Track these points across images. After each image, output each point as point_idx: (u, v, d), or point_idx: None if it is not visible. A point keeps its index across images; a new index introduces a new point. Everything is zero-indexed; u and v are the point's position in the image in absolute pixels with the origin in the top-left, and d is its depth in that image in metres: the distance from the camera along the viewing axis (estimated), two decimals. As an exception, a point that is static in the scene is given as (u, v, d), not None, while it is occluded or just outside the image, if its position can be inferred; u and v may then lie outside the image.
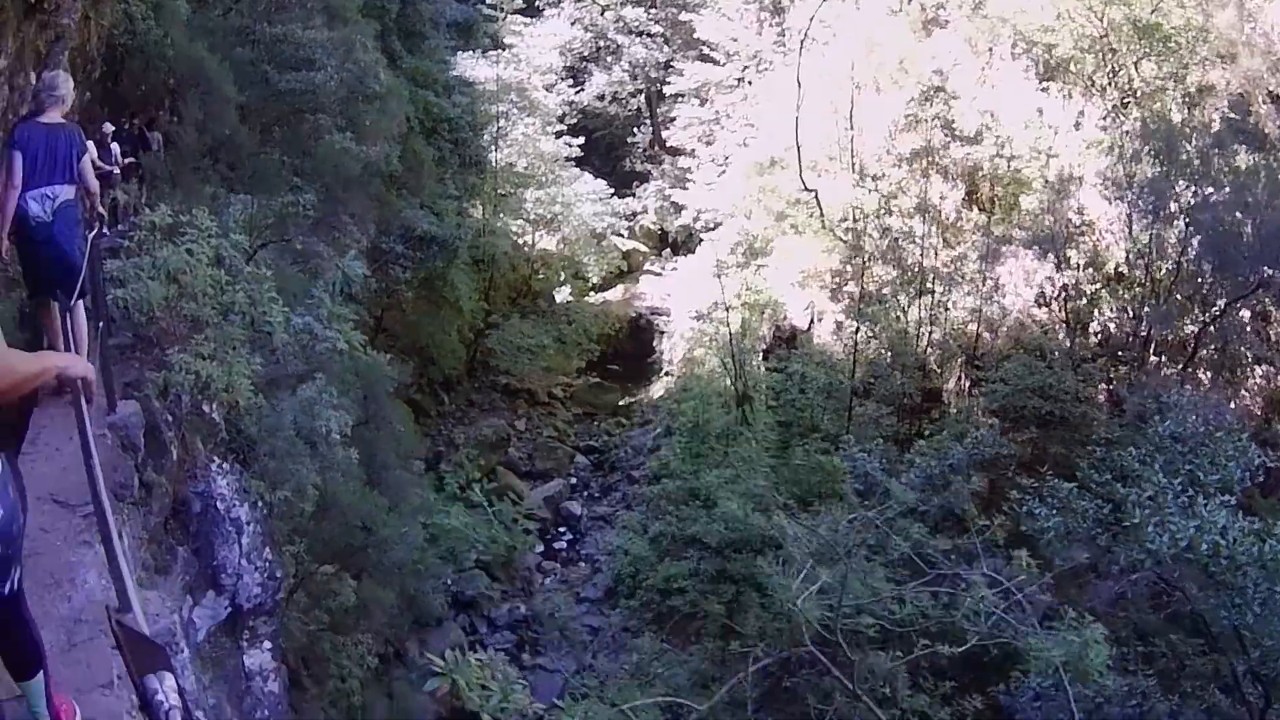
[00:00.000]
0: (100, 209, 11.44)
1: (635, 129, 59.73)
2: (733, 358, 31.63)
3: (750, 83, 49.47)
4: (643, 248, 53.73)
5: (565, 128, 49.99)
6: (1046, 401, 24.96)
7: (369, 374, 23.42)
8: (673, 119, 58.39)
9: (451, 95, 40.76)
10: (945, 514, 20.79)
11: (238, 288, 12.93)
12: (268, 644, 14.32)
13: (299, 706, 16.17)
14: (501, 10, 48.32)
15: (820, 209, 35.79)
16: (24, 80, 13.12)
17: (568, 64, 55.07)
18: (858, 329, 29.11)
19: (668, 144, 58.80)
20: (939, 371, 30.88)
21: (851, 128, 36.04)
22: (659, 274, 52.24)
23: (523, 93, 46.99)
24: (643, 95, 59.14)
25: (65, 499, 7.56)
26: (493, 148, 43.43)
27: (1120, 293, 28.98)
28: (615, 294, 49.66)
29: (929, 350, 31.25)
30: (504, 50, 47.01)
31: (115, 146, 19.67)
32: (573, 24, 56.25)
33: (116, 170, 19.37)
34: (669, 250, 54.40)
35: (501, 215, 44.52)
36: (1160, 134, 27.41)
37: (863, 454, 20.56)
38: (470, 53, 45.66)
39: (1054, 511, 15.60)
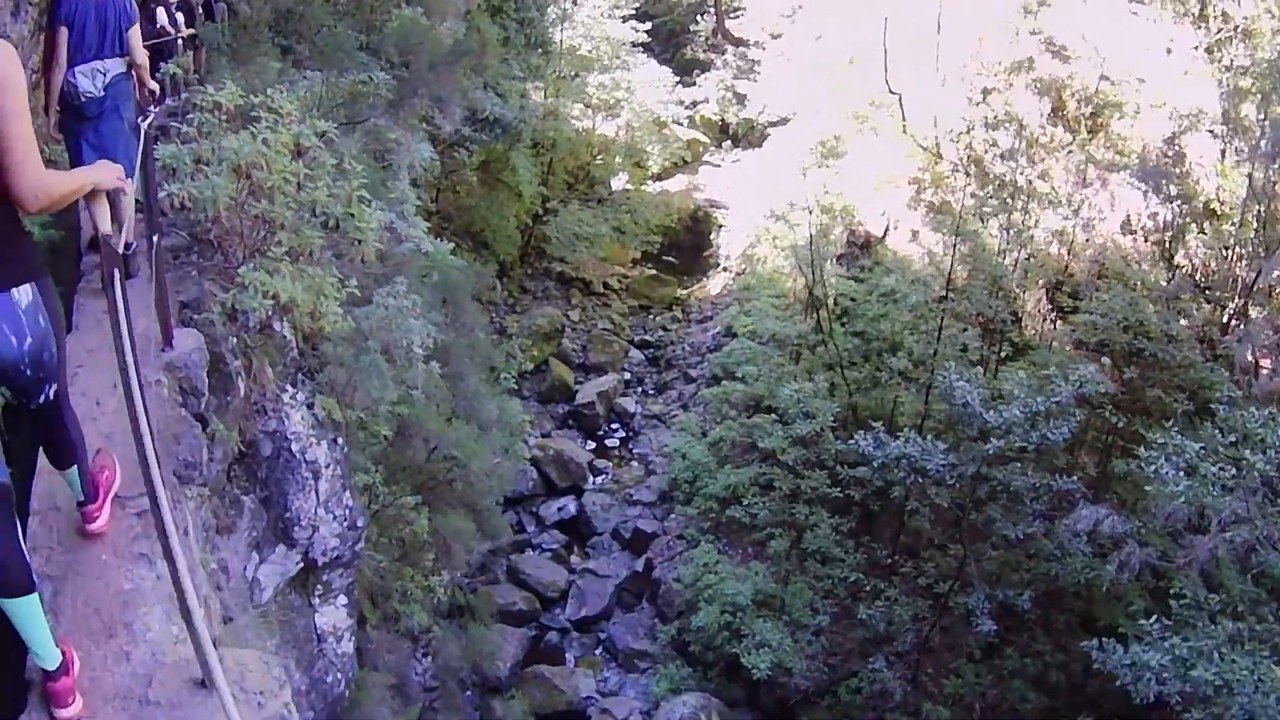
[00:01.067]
0: (152, 84, 10.52)
1: (698, 16, 58.21)
2: (812, 263, 30.76)
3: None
4: (703, 138, 52.54)
5: (632, 11, 48.58)
6: (1138, 339, 24.19)
7: (449, 276, 22.55)
8: (736, 10, 57.06)
9: (520, -31, 39.58)
10: (1039, 451, 20.26)
11: (319, 184, 10.75)
12: (343, 599, 12.70)
13: (364, 649, 14.92)
14: None
15: (903, 113, 34.72)
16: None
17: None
18: (956, 242, 28.05)
19: (731, 33, 57.45)
20: (1018, 294, 30.08)
21: (939, 30, 34.72)
22: (718, 165, 51.18)
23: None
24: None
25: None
26: (558, 28, 42.20)
27: (1214, 229, 28.05)
28: (674, 184, 48.56)
29: (1012, 270, 30.43)
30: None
31: (180, 16, 18.53)
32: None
33: (180, 39, 18.28)
34: (729, 142, 53.31)
35: (564, 99, 43.46)
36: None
37: (963, 383, 19.98)
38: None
39: (1180, 473, 14.89)
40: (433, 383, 17.11)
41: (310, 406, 11.70)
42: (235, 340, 10.05)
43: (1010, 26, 32.34)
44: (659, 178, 48.28)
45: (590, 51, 44.83)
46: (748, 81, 49.86)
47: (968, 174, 32.32)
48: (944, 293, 27.56)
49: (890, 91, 35.06)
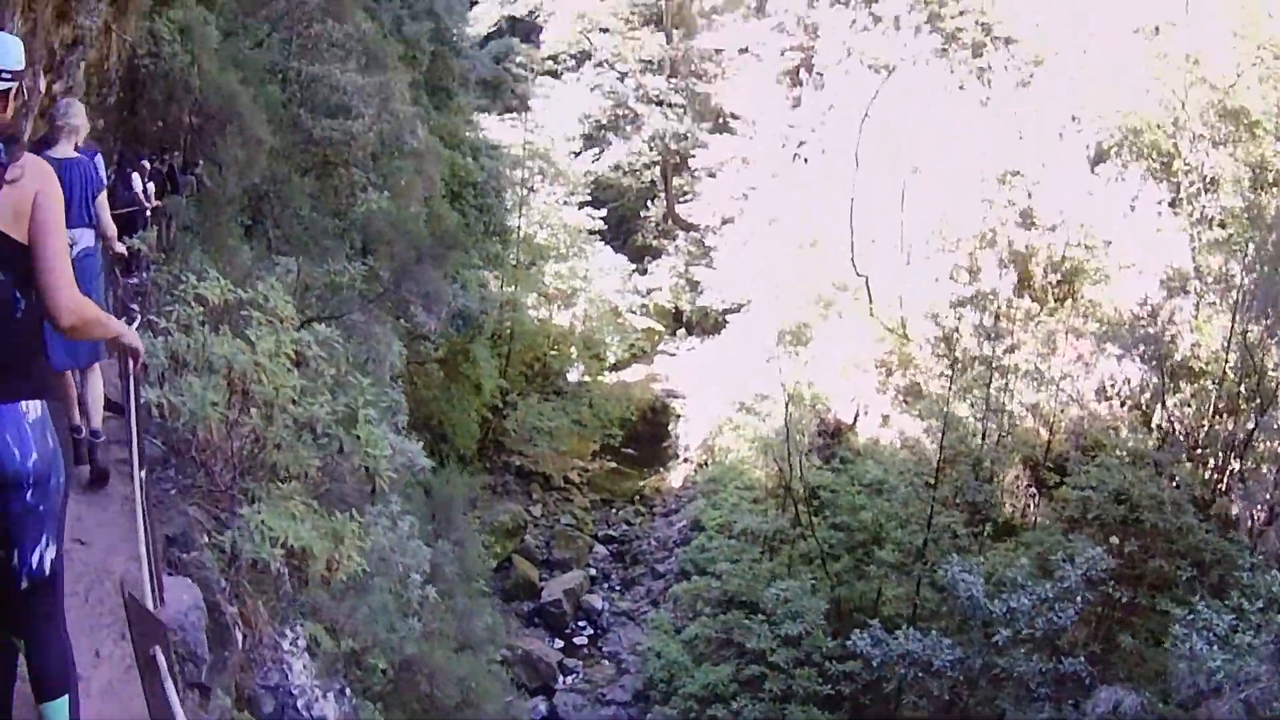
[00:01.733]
0: (120, 248, 10.11)
1: (649, 202, 59.15)
2: (788, 456, 30.73)
3: (801, 157, 48.71)
4: (657, 326, 52.86)
5: (589, 198, 49.36)
6: (1132, 510, 24.09)
7: (440, 489, 22.00)
8: (685, 195, 58.09)
9: (478, 158, 40.20)
10: (1048, 637, 19.95)
11: (319, 399, 9.82)
12: None
13: None
14: (531, 70, 47.82)
15: (870, 295, 35.11)
16: (31, 81, 11.59)
17: (585, 132, 54.45)
18: (944, 427, 28.12)
19: (681, 219, 58.38)
20: (995, 471, 30.06)
21: (903, 210, 35.42)
22: (674, 354, 51.39)
23: (547, 159, 46.49)
24: (658, 167, 58.46)
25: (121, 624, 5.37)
26: (516, 216, 42.72)
27: (1196, 387, 28.24)
28: (631, 374, 48.73)
29: (984, 448, 30.45)
30: (529, 113, 46.52)
31: (151, 186, 18.42)
32: (592, 90, 55.64)
33: (148, 210, 18.06)
34: (683, 330, 53.63)
35: (522, 289, 43.79)
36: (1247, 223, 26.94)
37: (967, 575, 19.74)
38: (496, 114, 45.22)
39: (1214, 647, 14.59)
40: (428, 608, 16.28)
41: (311, 653, 10.54)
42: (228, 584, 8.98)
43: (974, 199, 32.92)
44: (616, 367, 48.37)
45: (547, 239, 45.37)
46: (702, 268, 50.31)
47: (937, 353, 32.64)
48: (933, 480, 27.44)
49: (857, 274, 35.41)
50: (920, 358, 33.56)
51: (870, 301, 35.45)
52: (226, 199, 22.63)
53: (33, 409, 4.26)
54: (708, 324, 51.53)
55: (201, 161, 22.04)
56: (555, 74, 56.46)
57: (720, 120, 57.47)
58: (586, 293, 46.29)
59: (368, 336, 22.22)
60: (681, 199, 59.31)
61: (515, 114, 46.84)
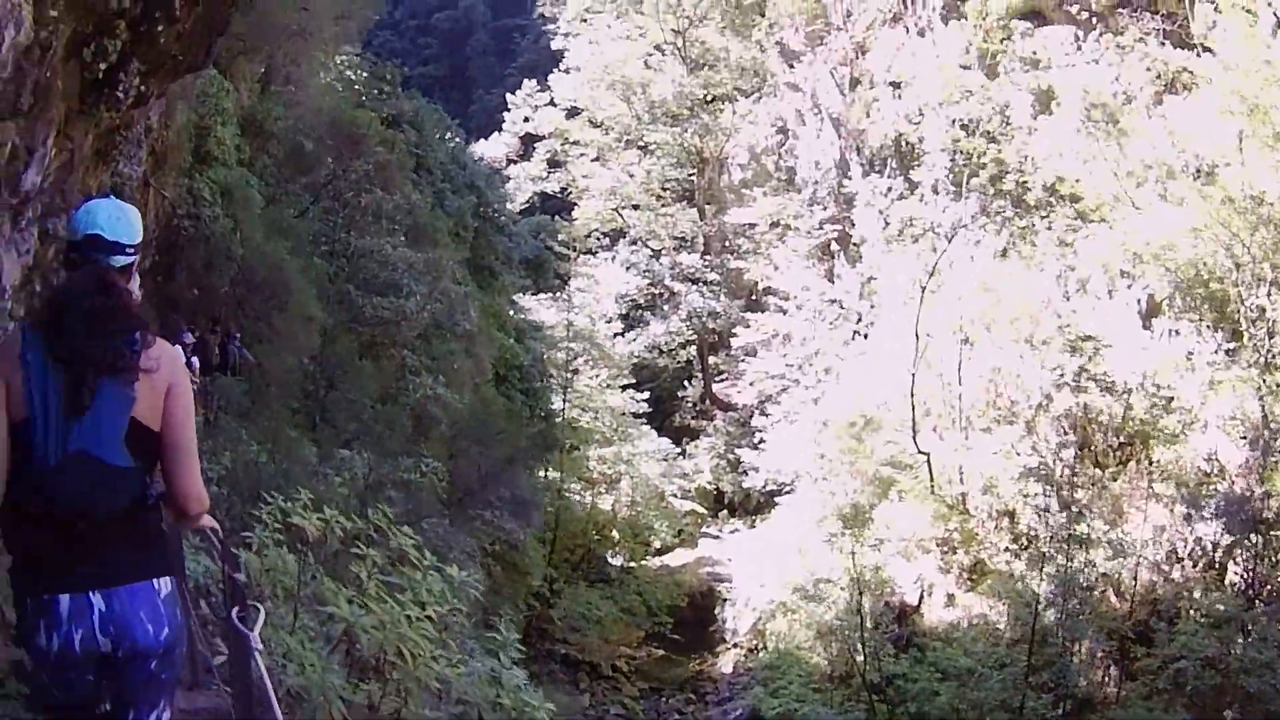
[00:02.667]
0: None
1: (685, 382, 59.74)
2: (861, 644, 30.64)
3: (857, 335, 49.40)
4: (699, 509, 52.99)
5: (632, 380, 49.99)
6: (1221, 674, 24.04)
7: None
8: (722, 375, 58.67)
9: (523, 340, 40.80)
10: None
11: (454, 658, 8.34)
12: None
13: None
14: (574, 249, 48.78)
15: (931, 473, 35.27)
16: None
17: (622, 311, 55.34)
18: (1036, 605, 28.04)
19: (719, 398, 58.87)
20: (1068, 647, 29.83)
21: (960, 382, 35.79)
22: (717, 537, 51.38)
23: (591, 340, 47.18)
24: (693, 346, 59.21)
25: None
26: (560, 399, 43.22)
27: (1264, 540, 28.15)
28: (675, 558, 48.78)
29: (1059, 623, 30.28)
30: (571, 293, 47.37)
31: (195, 361, 18.62)
32: (628, 268, 56.72)
33: (195, 387, 18.42)
34: (725, 511, 53.67)
35: (567, 474, 44.05)
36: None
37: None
38: (539, 294, 46.00)
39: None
40: None
41: None
42: None
43: (1028, 363, 33.40)
44: (660, 552, 48.36)
45: (589, 422, 45.74)
46: (746, 449, 50.44)
47: (1000, 528, 32.77)
48: (1010, 661, 27.32)
49: (919, 451, 35.55)
50: (983, 533, 33.52)
51: (932, 479, 35.46)
52: (277, 379, 22.53)
53: (164, 585, 4.52)
54: (750, 505, 51.66)
55: (239, 335, 21.81)
56: (591, 251, 57.58)
57: (753, 296, 58.44)
58: (631, 476, 46.44)
59: (447, 545, 20.82)
60: (718, 378, 59.91)
61: (555, 294, 47.52)
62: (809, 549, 37.13)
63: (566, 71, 62.64)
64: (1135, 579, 30.00)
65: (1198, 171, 31.43)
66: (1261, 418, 28.34)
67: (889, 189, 47.71)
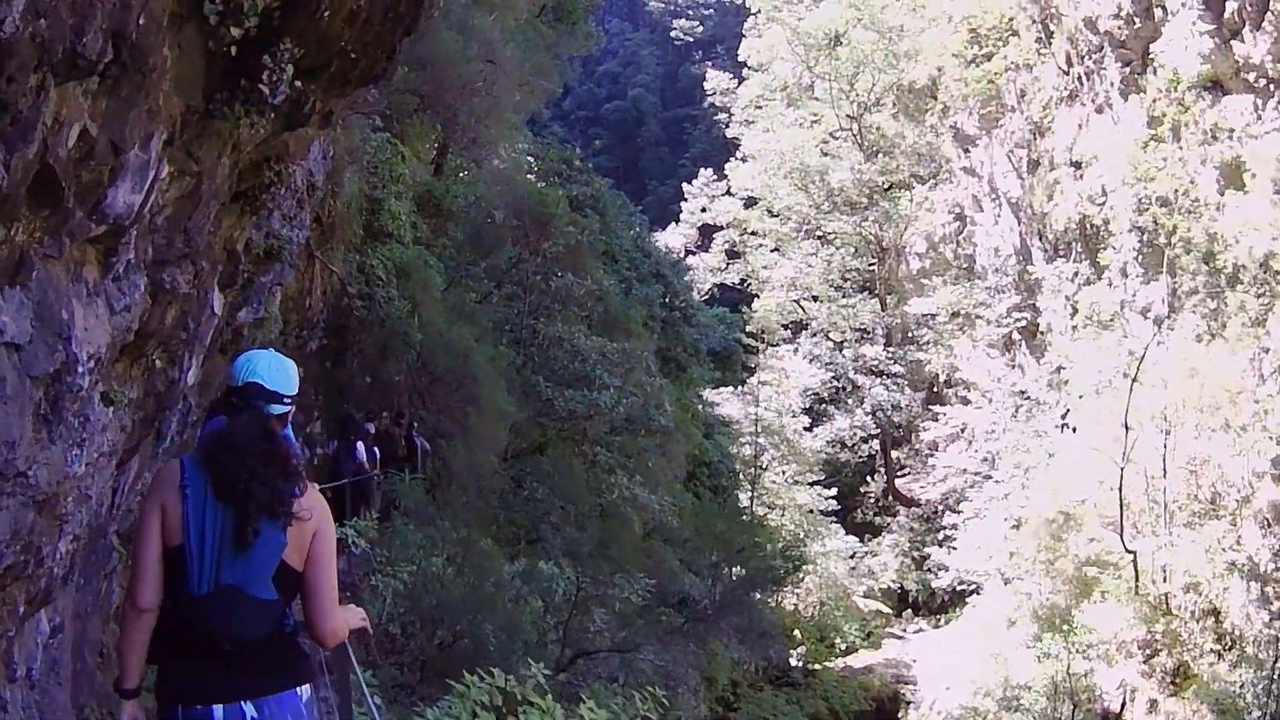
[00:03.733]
0: None
1: (868, 477, 59.27)
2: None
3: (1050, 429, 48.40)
4: (883, 608, 52.34)
5: (820, 476, 49.87)
6: None
7: None
8: (903, 469, 58.08)
9: (711, 435, 40.68)
10: None
11: None
12: None
13: None
14: (763, 340, 48.71)
15: (1136, 572, 34.35)
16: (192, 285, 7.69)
17: (805, 405, 55.23)
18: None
19: (902, 493, 58.25)
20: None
21: (1165, 474, 34.91)
22: (901, 637, 50.61)
23: (780, 435, 47.17)
24: (876, 440, 58.77)
25: None
26: (749, 495, 43.20)
27: None
28: (857, 659, 48.06)
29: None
30: (757, 387, 47.36)
31: (376, 452, 18.48)
32: (810, 360, 56.68)
33: (376, 477, 18.10)
34: (909, 610, 52.85)
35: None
36: None
37: None
38: (727, 387, 45.95)
39: None
40: None
41: None
42: None
43: (1230, 451, 32.75)
44: (845, 653, 47.80)
45: (777, 521, 45.62)
46: (934, 547, 49.75)
47: (1204, 628, 31.84)
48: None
49: (1126, 549, 34.64)
50: (1186, 634, 32.54)
51: (1137, 579, 34.50)
52: (463, 479, 21.71)
53: (305, 691, 4.91)
54: (934, 605, 50.92)
55: (416, 425, 20.77)
56: (773, 344, 57.70)
57: (934, 389, 57.97)
58: (818, 575, 46.10)
59: (665, 679, 19.22)
60: (900, 473, 59.34)
61: (738, 387, 47.49)
62: (1002, 652, 36.38)
63: (743, 160, 63.12)
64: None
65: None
66: None
67: (1075, 273, 47.05)
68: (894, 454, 59.55)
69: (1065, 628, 35.18)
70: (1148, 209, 39.75)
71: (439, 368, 20.67)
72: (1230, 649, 31.50)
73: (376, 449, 18.83)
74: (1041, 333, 50.29)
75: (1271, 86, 35.98)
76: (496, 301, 28.23)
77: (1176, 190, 38.39)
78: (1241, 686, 29.23)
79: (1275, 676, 29.03)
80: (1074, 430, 43.77)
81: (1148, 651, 33.23)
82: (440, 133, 29.17)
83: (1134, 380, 34.94)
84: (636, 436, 30.02)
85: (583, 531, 24.11)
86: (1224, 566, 32.10)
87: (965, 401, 54.53)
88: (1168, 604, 33.87)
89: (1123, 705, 33.12)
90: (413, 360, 20.45)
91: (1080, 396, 43.42)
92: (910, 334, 59.59)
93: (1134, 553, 34.62)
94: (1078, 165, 45.91)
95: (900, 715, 43.99)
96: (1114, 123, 42.85)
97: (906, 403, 57.58)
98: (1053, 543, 38.18)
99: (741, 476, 43.77)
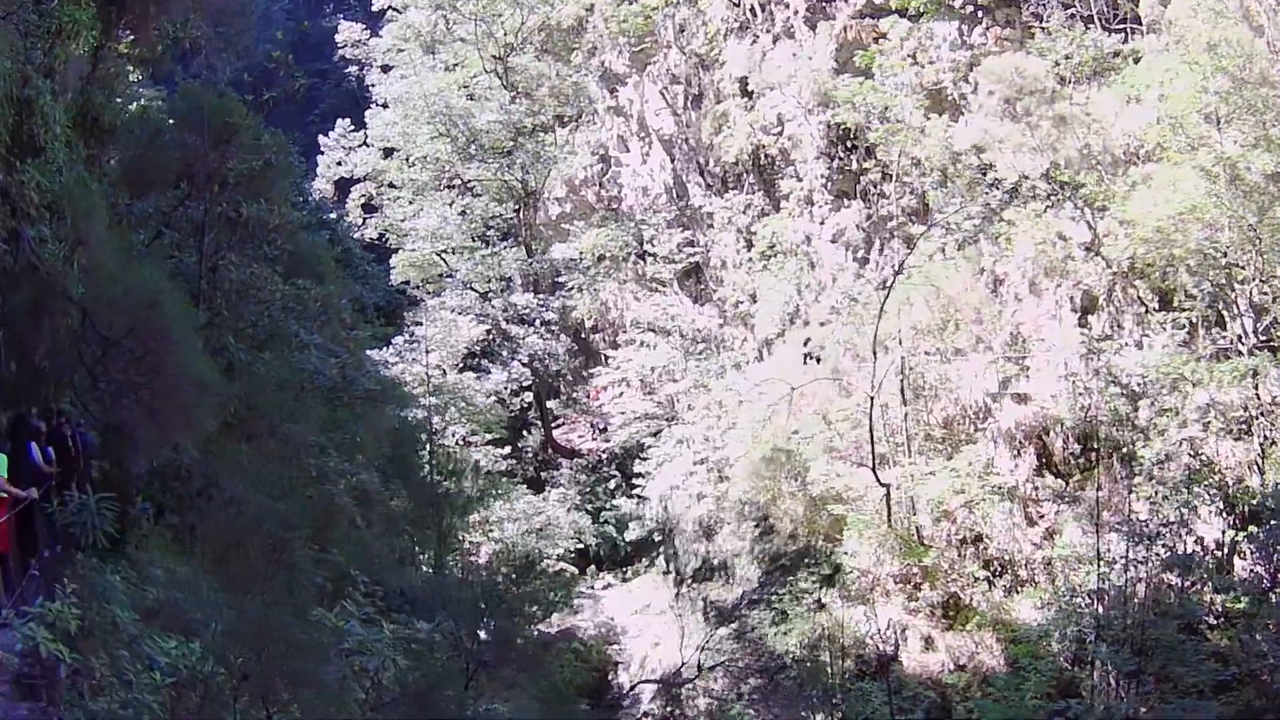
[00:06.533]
0: None
1: (524, 431, 55.79)
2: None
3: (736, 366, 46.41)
4: (568, 567, 49.17)
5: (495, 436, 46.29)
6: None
7: None
8: (558, 419, 55.38)
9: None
10: None
11: None
12: None
13: None
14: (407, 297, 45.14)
15: (889, 506, 32.37)
16: None
17: (459, 363, 51.11)
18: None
19: (564, 446, 55.41)
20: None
21: (904, 402, 33.52)
22: (592, 592, 47.61)
23: (454, 394, 43.57)
24: (530, 392, 55.31)
25: None
26: (426, 463, 39.15)
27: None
28: (558, 624, 44.69)
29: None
30: (425, 341, 44.01)
31: (50, 452, 14.03)
32: (461, 313, 52.45)
33: (53, 482, 13.77)
34: (593, 567, 49.90)
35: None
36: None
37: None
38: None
39: None
40: None
41: None
42: None
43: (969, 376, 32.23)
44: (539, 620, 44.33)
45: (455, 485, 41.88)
46: (624, 499, 47.10)
47: (960, 556, 30.63)
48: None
49: (880, 483, 32.58)
50: (946, 564, 30.99)
51: (889, 513, 32.51)
52: (147, 482, 17.01)
53: None
54: (617, 558, 48.42)
55: (79, 416, 15.64)
56: (417, 301, 53.85)
57: (580, 335, 55.46)
58: (497, 541, 42.63)
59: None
60: (555, 424, 56.47)
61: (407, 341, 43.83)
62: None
63: (384, 106, 58.20)
64: (1130, 590, 27.72)
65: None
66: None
67: (748, 205, 45.24)
68: (549, 404, 56.45)
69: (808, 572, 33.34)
70: (847, 137, 38.31)
71: (113, 329, 14.69)
72: (1001, 575, 30.19)
73: (51, 449, 14.13)
74: (713, 267, 48.36)
75: (979, 13, 35.32)
76: (169, 244, 22.06)
77: (870, 115, 36.97)
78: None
79: (1060, 597, 27.83)
80: (764, 366, 42.07)
81: (910, 586, 31.43)
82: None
83: (882, 306, 32.86)
84: (337, 407, 24.81)
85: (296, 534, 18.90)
86: (980, 491, 30.72)
87: (614, 346, 52.26)
88: (920, 536, 32.15)
89: (896, 646, 31.09)
90: (76, 322, 14.81)
91: (783, 332, 41.73)
92: (556, 280, 56.38)
93: (887, 485, 32.60)
94: (749, 95, 43.96)
95: (610, 677, 41.04)
96: (793, 55, 41.06)
97: (563, 351, 54.48)
98: (771, 483, 36.00)
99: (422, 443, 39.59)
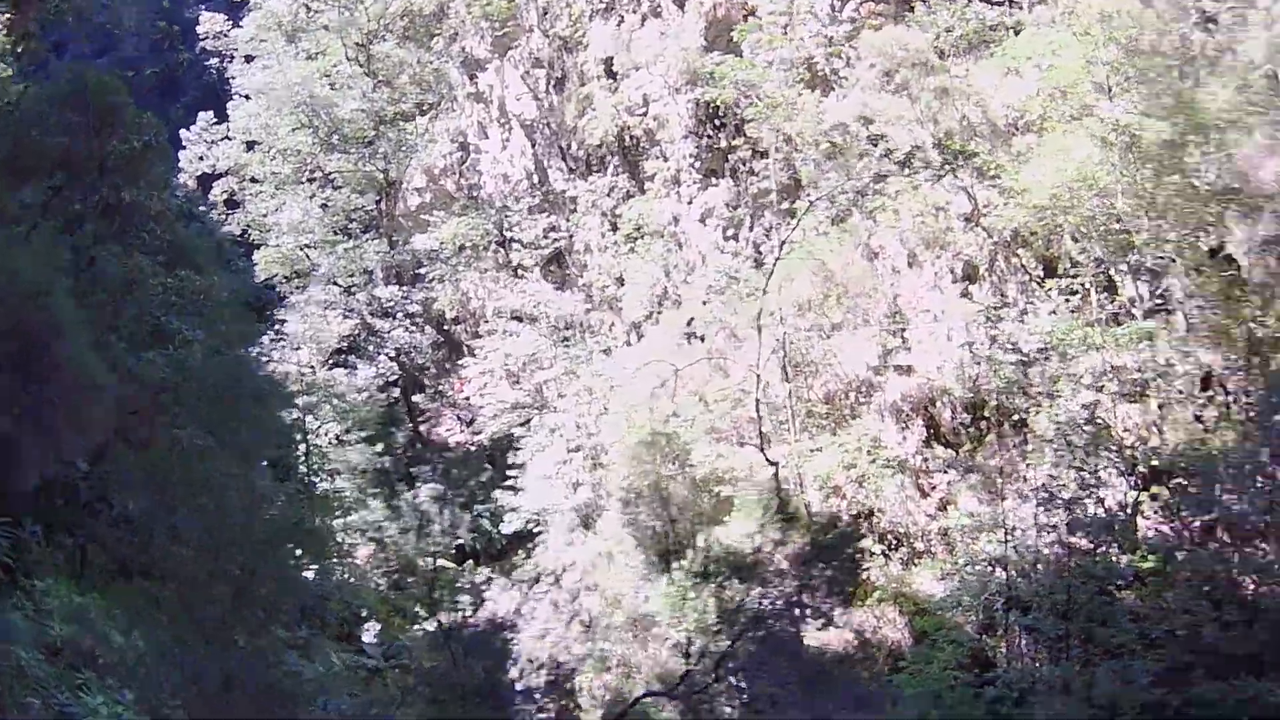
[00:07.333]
0: None
1: (391, 427, 54.12)
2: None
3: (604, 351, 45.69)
4: (447, 564, 47.81)
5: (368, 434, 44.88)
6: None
7: None
8: (424, 412, 54.07)
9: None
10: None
11: None
12: None
13: None
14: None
15: (778, 484, 31.80)
16: None
17: (324, 360, 49.46)
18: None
19: (433, 440, 53.92)
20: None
21: (790, 379, 32.93)
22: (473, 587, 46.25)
23: (329, 391, 41.99)
24: (397, 388, 53.80)
25: None
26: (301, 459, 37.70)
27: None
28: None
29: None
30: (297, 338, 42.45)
31: None
32: (327, 309, 50.88)
33: None
34: (470, 562, 48.57)
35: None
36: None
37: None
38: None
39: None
40: None
41: None
42: None
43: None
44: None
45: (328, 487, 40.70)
46: (502, 491, 45.82)
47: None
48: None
49: (769, 462, 32.02)
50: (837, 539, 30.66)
51: (779, 491, 31.96)
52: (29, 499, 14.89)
53: None
54: (493, 551, 47.16)
55: None
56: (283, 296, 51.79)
57: (443, 326, 54.09)
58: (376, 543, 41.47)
59: None
60: (421, 419, 55.03)
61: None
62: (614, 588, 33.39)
63: (246, 98, 55.99)
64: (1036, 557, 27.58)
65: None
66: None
67: (612, 188, 44.44)
68: (415, 399, 54.96)
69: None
70: (716, 115, 37.76)
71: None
72: (897, 548, 29.88)
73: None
74: (577, 252, 47.44)
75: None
76: (45, 234, 19.20)
77: (741, 91, 36.46)
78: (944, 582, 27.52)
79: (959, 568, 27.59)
80: (629, 346, 41.56)
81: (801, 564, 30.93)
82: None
83: (767, 282, 32.26)
84: (222, 406, 23.16)
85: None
86: (869, 465, 30.41)
87: (476, 336, 51.32)
88: (808, 513, 31.66)
89: (795, 624, 30.56)
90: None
91: (651, 315, 40.99)
92: (418, 272, 54.89)
93: (775, 464, 32.01)
94: (614, 77, 43.18)
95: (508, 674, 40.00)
96: (661, 35, 40.40)
97: (427, 344, 53.02)
98: (651, 467, 35.17)
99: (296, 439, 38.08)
